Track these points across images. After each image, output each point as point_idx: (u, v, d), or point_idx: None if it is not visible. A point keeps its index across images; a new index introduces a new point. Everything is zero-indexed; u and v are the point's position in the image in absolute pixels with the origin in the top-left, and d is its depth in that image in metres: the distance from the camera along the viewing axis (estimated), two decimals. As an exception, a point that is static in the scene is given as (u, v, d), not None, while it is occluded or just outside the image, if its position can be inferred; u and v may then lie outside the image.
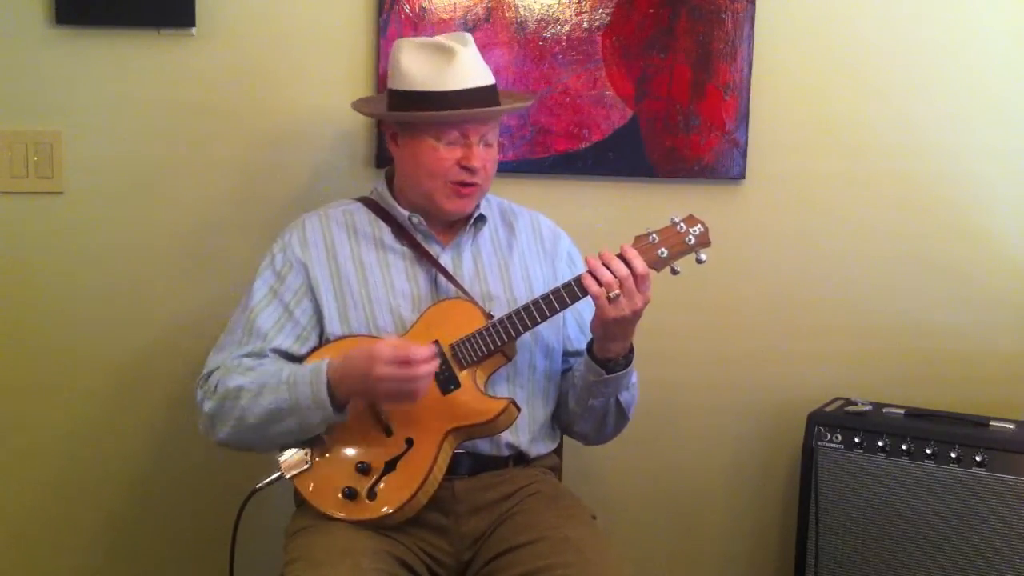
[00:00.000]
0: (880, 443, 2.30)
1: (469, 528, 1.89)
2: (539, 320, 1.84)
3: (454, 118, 1.91)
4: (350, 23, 2.32)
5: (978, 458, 2.21)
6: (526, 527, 1.86)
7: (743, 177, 2.49)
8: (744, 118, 2.46)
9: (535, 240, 2.09)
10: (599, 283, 1.78)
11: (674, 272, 1.86)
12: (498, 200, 2.11)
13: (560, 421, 2.05)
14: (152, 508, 2.40)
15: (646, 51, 2.42)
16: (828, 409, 2.44)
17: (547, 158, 2.42)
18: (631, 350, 1.91)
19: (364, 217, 2.01)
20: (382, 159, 2.34)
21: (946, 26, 2.49)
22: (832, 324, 2.56)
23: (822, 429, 2.36)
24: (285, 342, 1.92)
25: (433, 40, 1.97)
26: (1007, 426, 2.29)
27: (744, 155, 2.47)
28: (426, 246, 1.98)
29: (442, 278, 1.95)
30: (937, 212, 2.54)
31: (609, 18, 2.40)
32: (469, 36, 1.98)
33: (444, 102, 1.90)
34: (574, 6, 2.39)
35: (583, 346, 1.97)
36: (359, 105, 2.13)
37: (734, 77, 2.44)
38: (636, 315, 1.82)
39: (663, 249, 1.84)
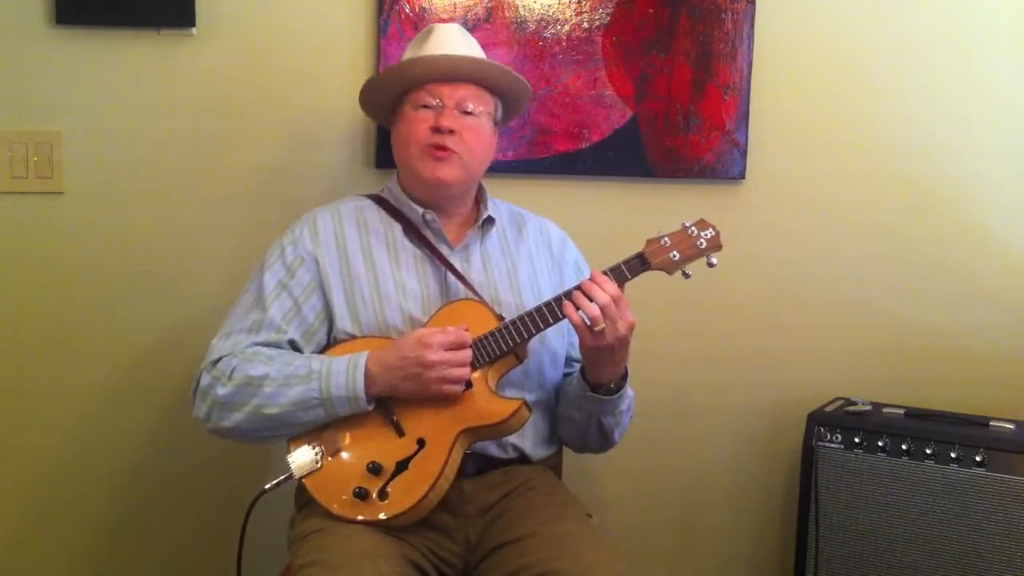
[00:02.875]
0: (880, 443, 2.30)
1: (476, 529, 1.89)
2: (552, 321, 1.84)
3: (403, 70, 1.96)
4: (350, 23, 2.32)
5: (978, 458, 2.21)
6: (520, 522, 1.86)
7: (743, 177, 2.49)
8: (744, 118, 2.46)
9: (543, 246, 2.09)
10: (588, 318, 1.79)
11: (686, 276, 1.88)
12: (506, 204, 2.11)
13: (552, 423, 2.05)
14: (156, 509, 2.40)
15: (646, 51, 2.42)
16: (828, 409, 2.44)
17: (547, 158, 2.42)
18: (624, 376, 1.92)
19: (376, 214, 2.01)
20: (382, 159, 2.34)
21: (946, 25, 2.50)
22: (832, 324, 2.57)
23: (822, 429, 2.36)
24: (295, 335, 1.91)
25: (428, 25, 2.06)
26: (1007, 426, 2.29)
27: (744, 155, 2.47)
28: (436, 246, 1.98)
29: (451, 279, 1.95)
30: (937, 212, 2.55)
31: (609, 18, 2.40)
32: (463, 28, 2.06)
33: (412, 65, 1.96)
34: (574, 6, 2.38)
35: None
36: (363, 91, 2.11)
37: (734, 77, 2.44)
38: (620, 342, 1.83)
39: (675, 252, 1.86)
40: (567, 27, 2.39)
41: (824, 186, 2.53)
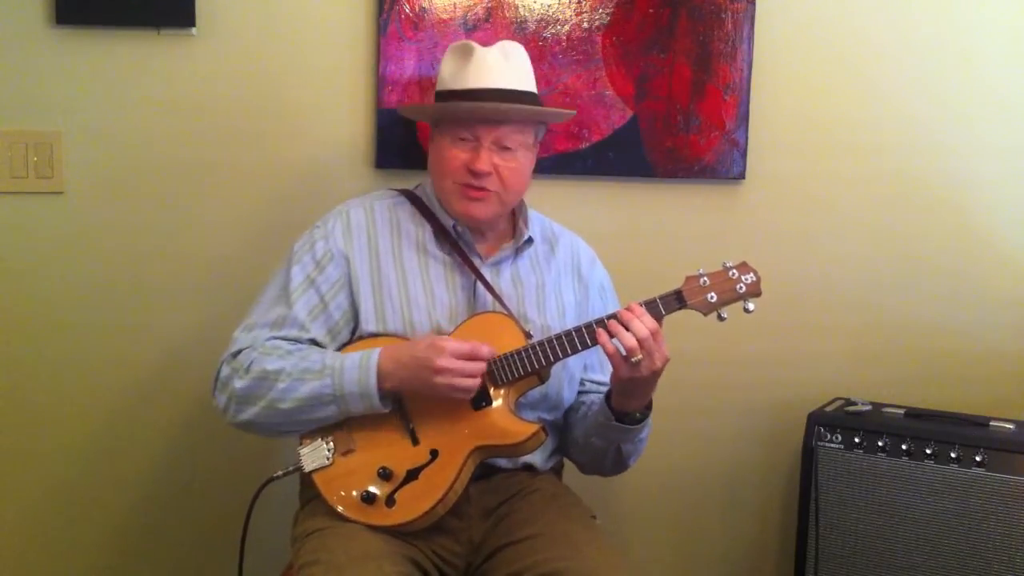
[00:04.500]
0: (880, 443, 2.30)
1: (479, 530, 1.89)
2: (580, 348, 1.81)
3: (446, 112, 1.89)
4: (350, 23, 2.32)
5: (978, 458, 2.21)
6: (525, 523, 1.86)
7: (743, 177, 2.49)
8: (744, 118, 2.46)
9: (572, 265, 2.07)
10: (624, 348, 1.75)
11: (721, 319, 1.82)
12: (539, 218, 2.07)
13: (561, 442, 2.04)
14: (159, 507, 2.40)
15: (646, 51, 2.42)
16: (828, 409, 2.44)
17: (547, 158, 2.41)
18: (649, 406, 1.90)
19: (408, 214, 1.98)
20: (382, 159, 2.34)
21: (946, 25, 2.50)
22: (832, 324, 2.57)
23: (822, 429, 2.36)
24: (318, 333, 1.89)
25: (465, 41, 1.96)
26: (1007, 426, 2.29)
27: (744, 155, 2.47)
28: (467, 255, 1.95)
29: (480, 290, 1.92)
30: (938, 212, 2.55)
31: (609, 18, 2.40)
32: (511, 44, 1.96)
33: (455, 98, 1.89)
34: (574, 6, 2.38)
35: (599, 375, 1.98)
36: (404, 107, 2.12)
37: (734, 77, 2.44)
38: (655, 375, 1.80)
39: (713, 294, 1.81)
40: (567, 27, 2.39)
41: (824, 186, 2.53)
